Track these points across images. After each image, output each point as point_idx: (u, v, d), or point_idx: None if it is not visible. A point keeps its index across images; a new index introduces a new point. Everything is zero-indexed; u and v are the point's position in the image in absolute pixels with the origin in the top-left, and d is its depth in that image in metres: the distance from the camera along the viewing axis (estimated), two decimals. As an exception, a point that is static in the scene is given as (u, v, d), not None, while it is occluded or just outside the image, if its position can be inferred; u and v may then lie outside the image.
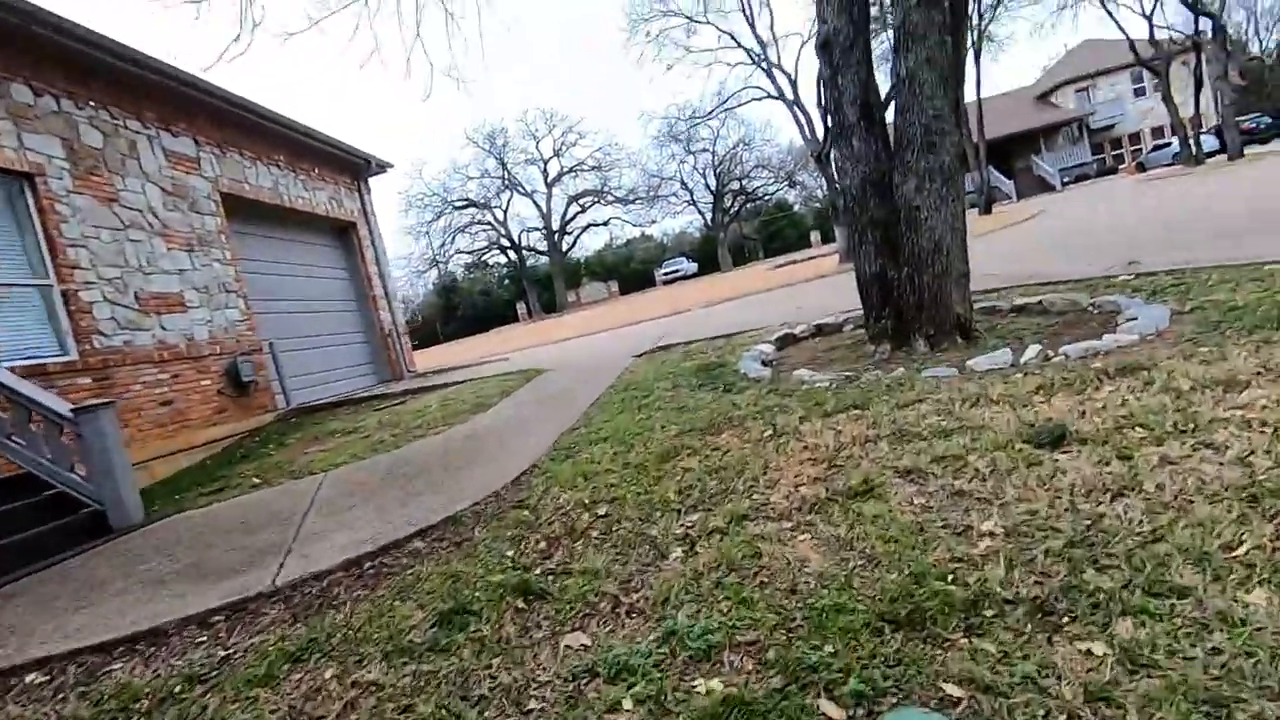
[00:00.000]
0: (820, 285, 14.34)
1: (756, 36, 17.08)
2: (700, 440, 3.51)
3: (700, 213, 50.87)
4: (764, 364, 5.46)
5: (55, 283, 6.43)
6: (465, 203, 42.74)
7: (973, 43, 25.58)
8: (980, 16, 25.04)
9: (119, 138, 7.50)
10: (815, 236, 54.48)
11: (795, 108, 17.24)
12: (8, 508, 4.29)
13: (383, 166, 13.16)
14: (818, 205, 69.08)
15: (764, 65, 17.13)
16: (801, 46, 17.76)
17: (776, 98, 17.48)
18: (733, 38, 17.39)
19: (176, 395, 7.46)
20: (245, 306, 8.87)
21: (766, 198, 58.90)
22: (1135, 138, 39.24)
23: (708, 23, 17.50)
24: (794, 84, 17.38)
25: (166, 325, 7.56)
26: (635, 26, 18.04)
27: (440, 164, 50.33)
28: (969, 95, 27.15)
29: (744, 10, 16.90)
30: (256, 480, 5.28)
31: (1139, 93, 38.98)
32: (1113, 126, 39.17)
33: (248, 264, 9.38)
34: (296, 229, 10.95)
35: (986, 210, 25.77)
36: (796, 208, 68.18)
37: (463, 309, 59.16)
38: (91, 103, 7.23)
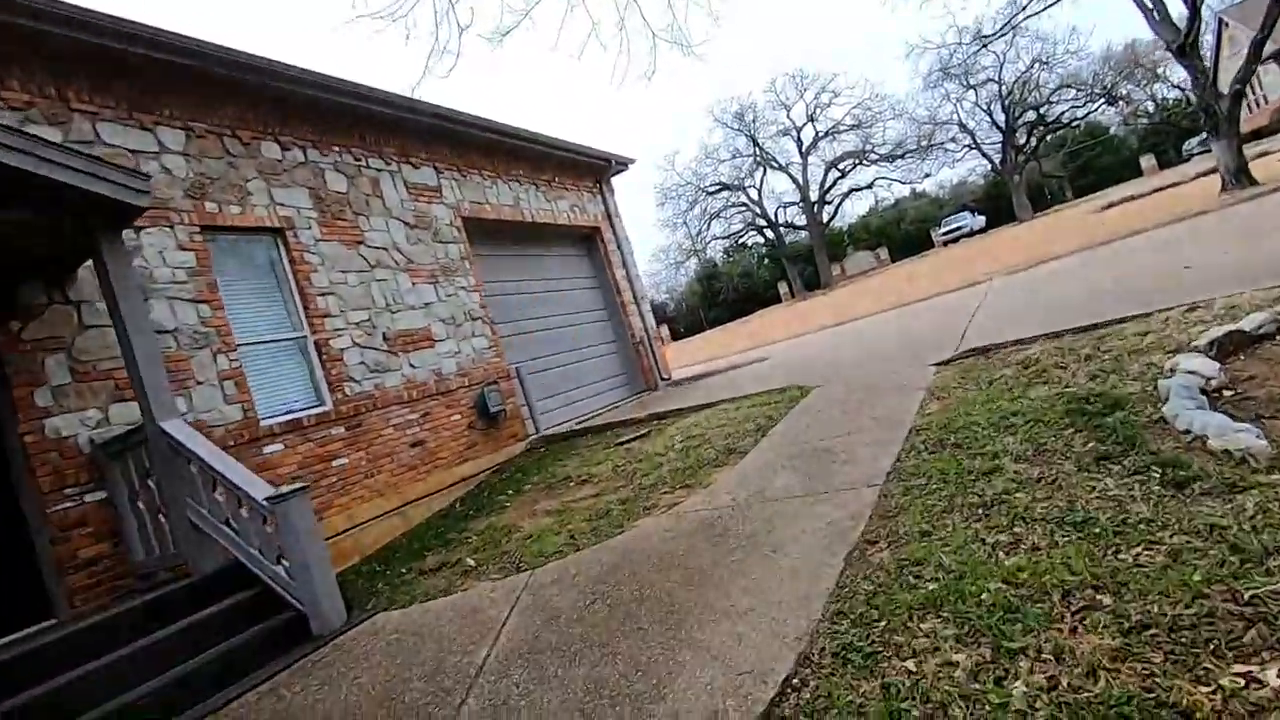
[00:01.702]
0: (1197, 229, 10.15)
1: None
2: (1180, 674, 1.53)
3: (985, 156, 43.37)
4: (1205, 397, 3.06)
5: (309, 333, 6.45)
6: (718, 186, 41.87)
7: None
8: None
9: (362, 178, 7.49)
10: (1147, 162, 43.16)
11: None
12: (223, 605, 3.91)
13: (624, 164, 12.40)
14: (1145, 122, 55.02)
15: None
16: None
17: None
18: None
19: (427, 434, 7.26)
20: (492, 333, 8.56)
21: (1074, 124, 48.30)
22: None
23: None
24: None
25: (415, 363, 7.40)
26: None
27: (692, 151, 50.41)
28: None
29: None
30: (471, 562, 4.44)
31: None
32: None
33: (492, 287, 9.13)
34: (539, 243, 10.60)
35: None
36: (1113, 130, 55.17)
37: (724, 294, 58.93)
38: (335, 147, 7.27)
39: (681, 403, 8.20)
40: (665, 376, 12.13)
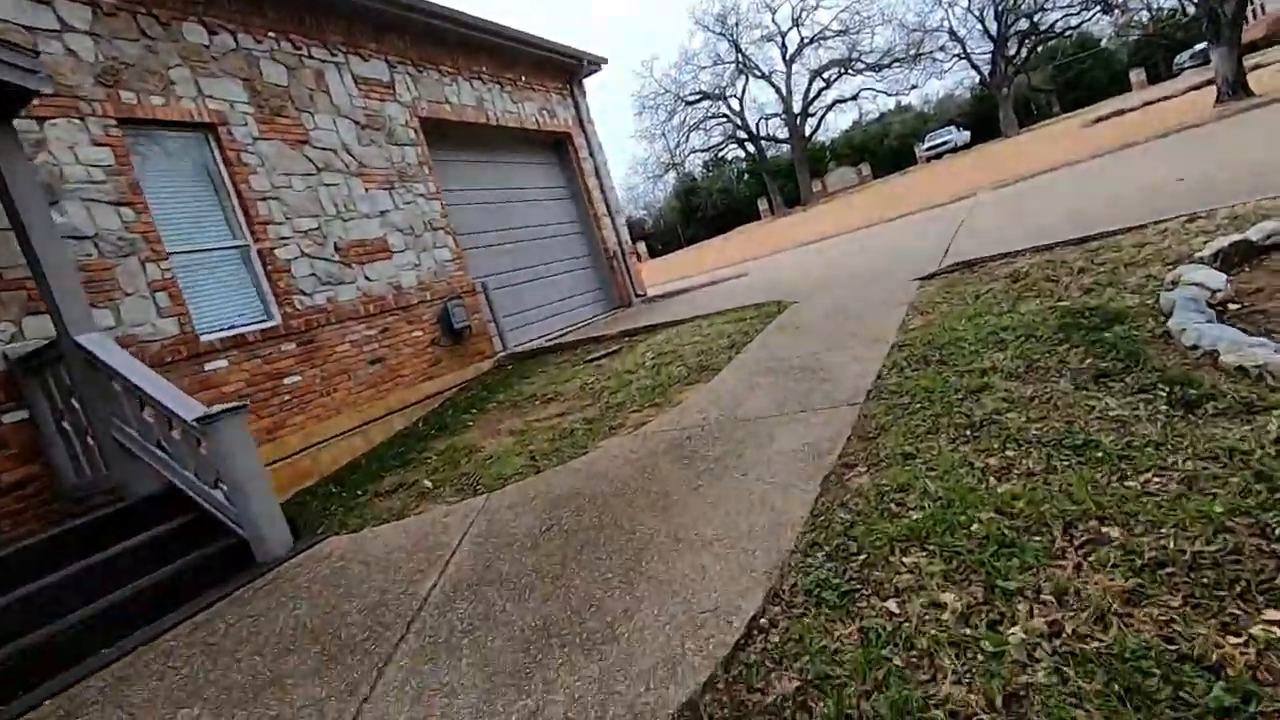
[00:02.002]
0: (1191, 141, 9.79)
1: None
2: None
3: (974, 67, 41.82)
4: (1214, 310, 2.83)
5: (251, 241, 5.95)
6: (698, 95, 40.01)
7: None
8: None
9: (304, 70, 6.76)
10: (1136, 76, 42.09)
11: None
12: (158, 531, 3.66)
13: (597, 64, 11.54)
14: (1138, 34, 53.27)
15: None
16: None
17: None
18: None
19: (387, 351, 6.90)
20: (455, 244, 8.07)
21: (1067, 33, 46.60)
22: None
23: None
24: None
25: (371, 275, 6.94)
26: None
27: (671, 57, 47.96)
28: None
29: None
30: (429, 484, 4.21)
31: None
32: None
33: (454, 195, 8.55)
34: (505, 148, 9.93)
35: None
36: (1104, 42, 53.46)
37: (703, 210, 57.71)
38: (271, 33, 6.51)
39: (655, 319, 7.90)
40: (640, 293, 11.77)
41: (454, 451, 4.83)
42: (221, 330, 5.58)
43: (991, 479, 2.07)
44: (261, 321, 5.90)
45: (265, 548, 3.59)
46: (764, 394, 3.74)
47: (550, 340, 8.88)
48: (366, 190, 7.10)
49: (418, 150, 7.86)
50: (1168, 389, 2.25)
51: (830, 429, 2.94)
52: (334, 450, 6.08)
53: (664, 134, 40.62)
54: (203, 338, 5.35)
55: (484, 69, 9.29)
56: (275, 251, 6.05)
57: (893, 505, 2.10)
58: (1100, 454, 2.00)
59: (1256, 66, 19.49)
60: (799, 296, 6.59)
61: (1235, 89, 11.55)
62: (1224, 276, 3.13)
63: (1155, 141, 11.24)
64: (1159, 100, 20.69)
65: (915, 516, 1.98)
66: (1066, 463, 2.02)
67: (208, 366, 5.33)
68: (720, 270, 16.06)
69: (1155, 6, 53.16)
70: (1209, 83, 19.90)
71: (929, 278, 5.63)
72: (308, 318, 6.16)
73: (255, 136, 6.12)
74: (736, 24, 38.68)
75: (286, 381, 5.88)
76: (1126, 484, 1.82)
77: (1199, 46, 42.62)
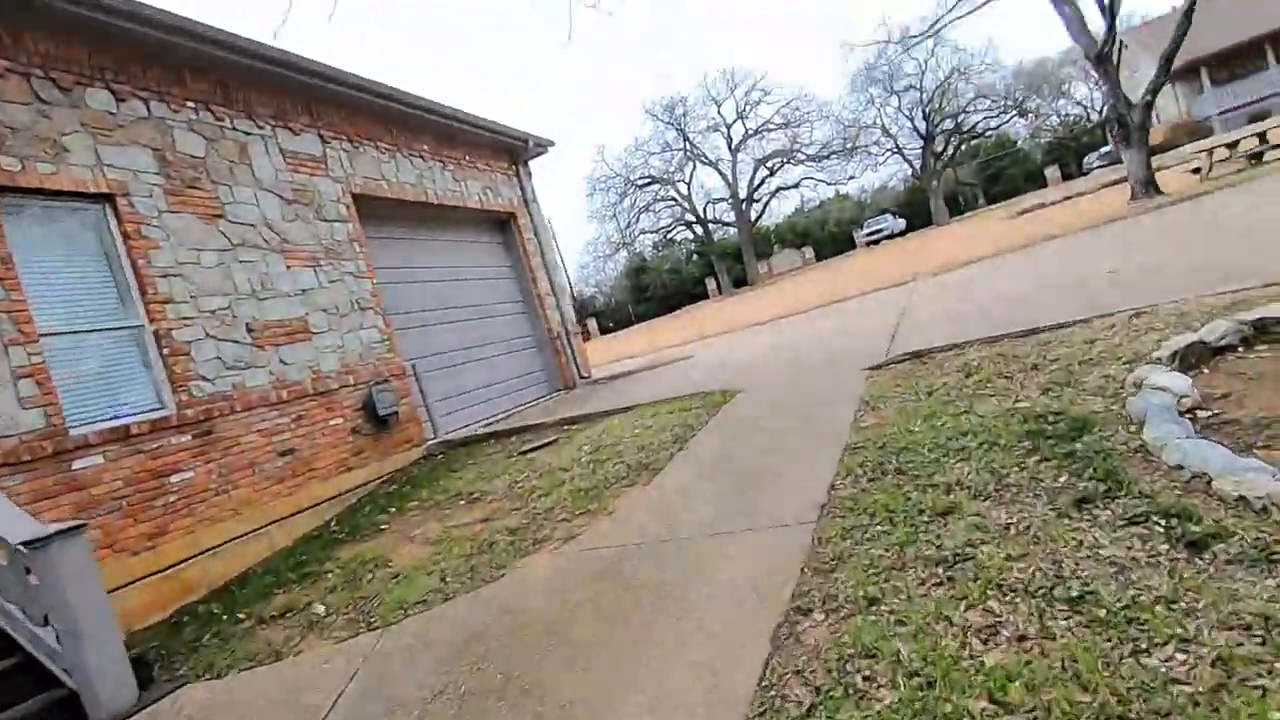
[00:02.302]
0: (1115, 236, 10.26)
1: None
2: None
3: (907, 161, 44.64)
4: (1186, 418, 2.61)
5: (145, 322, 5.37)
6: (648, 180, 41.31)
7: None
8: None
9: (225, 141, 6.38)
10: (1052, 174, 45.60)
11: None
12: (-37, 683, 2.94)
13: (543, 146, 11.55)
14: (1050, 137, 58.18)
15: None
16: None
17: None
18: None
19: (300, 441, 6.26)
20: (385, 324, 7.60)
21: (987, 134, 50.51)
22: None
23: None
24: (1052, -33, 12.88)
25: (287, 358, 6.38)
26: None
27: (623, 142, 49.86)
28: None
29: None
30: (321, 609, 3.59)
31: None
32: None
33: (389, 273, 8.16)
34: (445, 227, 9.65)
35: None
36: (1020, 143, 58.18)
37: (652, 289, 58.65)
38: (190, 103, 6.15)
39: (596, 405, 7.51)
40: (584, 375, 11.41)
41: (359, 564, 4.22)
42: (100, 421, 4.91)
43: (976, 642, 1.70)
44: (151, 410, 5.25)
45: (102, 703, 2.91)
46: (708, 503, 3.34)
47: (487, 425, 8.36)
48: (288, 268, 6.63)
49: (349, 227, 7.48)
50: (1163, 522, 1.96)
51: (781, 554, 2.55)
52: (228, 558, 5.34)
53: (614, 215, 41.52)
54: (73, 431, 4.67)
55: (426, 147, 9.11)
56: (174, 333, 5.47)
57: (859, 679, 1.69)
58: (1102, 611, 1.67)
59: (1160, 168, 21.11)
60: (746, 384, 6.33)
61: (1147, 188, 12.30)
62: (1188, 381, 2.94)
63: (1081, 234, 11.77)
64: (1076, 196, 22.11)
65: (888, 700, 1.57)
66: (1064, 623, 1.67)
67: (76, 465, 4.63)
68: (667, 350, 15.90)
69: (1065, 113, 58.45)
70: (1120, 181, 21.47)
71: (878, 368, 5.44)
72: (208, 406, 5.53)
73: (162, 209, 5.64)
74: (684, 115, 40.55)
75: (175, 479, 5.19)
76: (1144, 661, 1.48)
77: (1105, 149, 46.68)
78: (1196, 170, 13.17)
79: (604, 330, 50.94)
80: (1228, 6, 27.05)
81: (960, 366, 4.54)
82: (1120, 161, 38.26)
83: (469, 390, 9.06)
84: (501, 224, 10.89)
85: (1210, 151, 12.71)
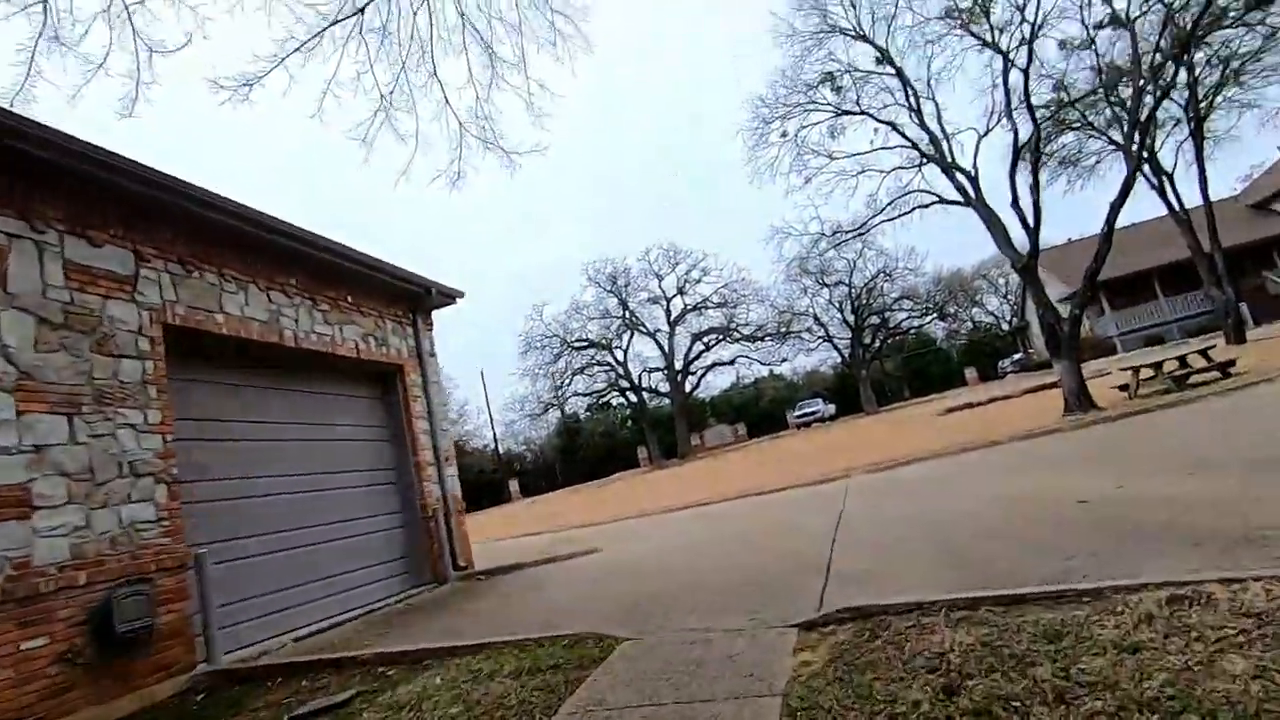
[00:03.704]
0: (1056, 448, 9.44)
1: (925, 129, 13.48)
2: None
3: (836, 349, 46.36)
4: None
5: None
6: (585, 343, 41.15)
7: (1190, 132, 20.76)
8: (1198, 108, 20.30)
9: (-29, 242, 4.82)
10: (970, 374, 48.05)
11: (981, 210, 13.14)
12: None
13: (450, 296, 10.38)
14: (963, 342, 62.49)
15: (937, 159, 13.27)
16: (979, 141, 13.90)
17: (959, 203, 13.45)
18: (895, 128, 13.90)
19: (-54, 680, 4.08)
20: (169, 497, 5.66)
21: (910, 332, 53.67)
22: (1406, 246, 31.09)
23: (863, 113, 14.17)
24: (975, 183, 13.43)
25: (-27, 545, 4.37)
26: (762, 132, 14.92)
27: (562, 304, 50.34)
28: (1193, 198, 21.91)
29: (908, 99, 13.47)
30: None
31: (1402, 192, 31.35)
32: (1371, 233, 31.38)
33: (203, 428, 6.37)
34: (308, 377, 8.03)
35: (1239, 335, 19.51)
36: (939, 343, 62.17)
37: (583, 450, 56.82)
38: (-73, 189, 4.64)
39: (439, 635, 5.57)
40: (462, 565, 9.35)
41: None
42: None
43: None
44: None
45: None
46: None
47: (300, 640, 6.22)
48: (20, 414, 4.80)
49: (147, 366, 5.78)
50: None
51: None
52: None
53: (548, 375, 40.67)
54: None
55: (293, 281, 7.71)
56: None
57: None
58: None
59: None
60: (635, 627, 4.62)
61: (1080, 400, 11.89)
62: None
63: (1019, 443, 11.00)
64: (1002, 398, 22.31)
65: None
66: None
67: None
68: (578, 533, 13.97)
69: (978, 320, 63.25)
70: (1041, 388, 21.90)
71: (811, 627, 3.88)
72: None
73: None
74: (626, 285, 41.46)
75: None
76: None
77: (1017, 355, 49.94)
78: (1124, 388, 12.97)
79: (526, 491, 48.15)
80: (1122, 241, 29.94)
81: (930, 658, 3.02)
82: (1031, 368, 40.08)
83: (293, 587, 6.94)
84: (384, 378, 9.33)
85: (1136, 370, 12.58)
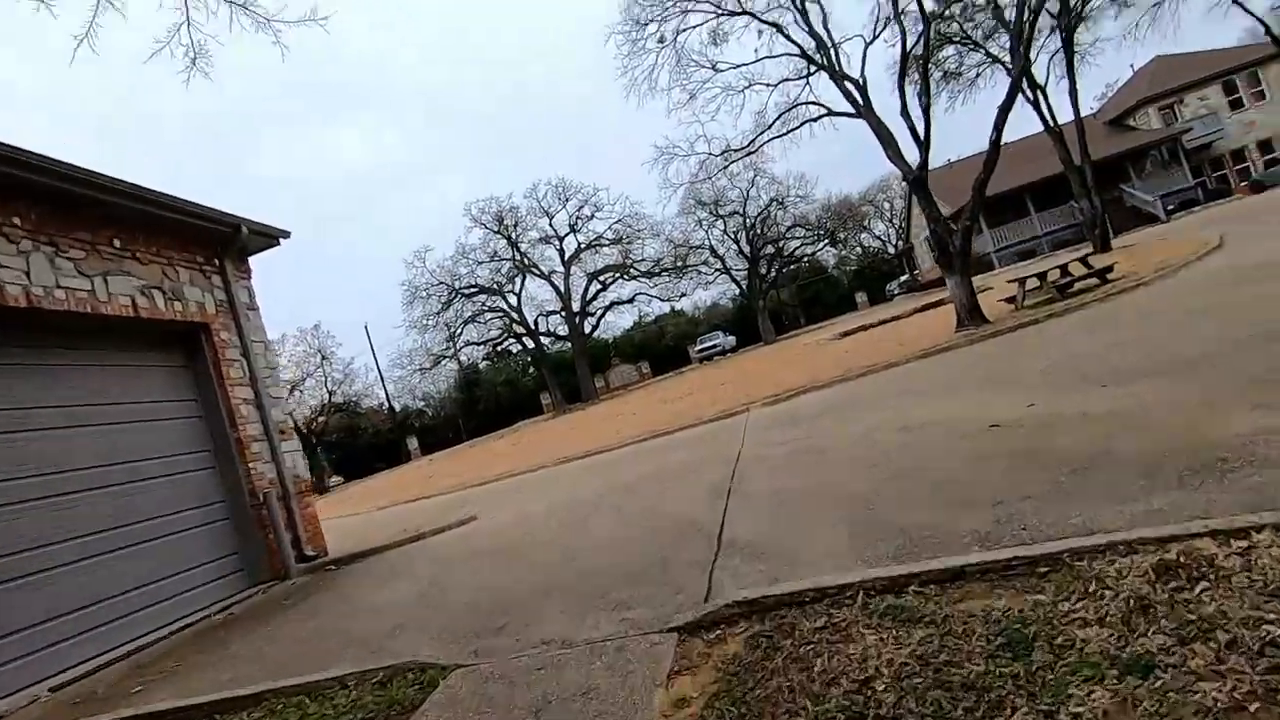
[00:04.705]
0: (955, 366, 9.04)
1: (812, 34, 12.44)
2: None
3: (735, 281, 46.25)
4: None
5: None
6: (475, 289, 38.80)
7: (1062, 42, 20.96)
8: (1069, 18, 20.42)
9: None
10: (860, 298, 49.55)
11: (872, 120, 12.41)
12: None
13: (269, 235, 8.52)
14: (853, 267, 64.41)
15: (826, 66, 12.31)
16: (866, 49, 13.06)
17: (849, 114, 12.62)
18: (781, 30, 12.77)
19: None
20: None
21: (804, 260, 54.47)
22: (1239, 155, 33.78)
23: (746, 13, 12.91)
24: (864, 92, 12.65)
25: None
26: (636, 37, 13.29)
27: (447, 249, 47.17)
28: (1065, 114, 22.38)
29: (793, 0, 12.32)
30: None
31: (1235, 105, 33.81)
32: (1210, 145, 33.84)
33: None
34: (64, 346, 6.21)
35: (1104, 245, 20.36)
36: (831, 270, 63.77)
37: (484, 402, 54.88)
38: None
39: (231, 670, 4.27)
40: (311, 554, 7.95)
41: None
42: None
43: None
44: None
45: None
46: None
47: (59, 687, 4.75)
48: None
49: None
50: None
51: None
52: None
53: (438, 325, 38.20)
54: None
55: (14, 220, 5.79)
56: None
57: None
58: None
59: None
60: (487, 633, 3.54)
61: (972, 315, 11.66)
62: None
63: (917, 363, 10.63)
64: (894, 319, 22.54)
65: None
66: None
67: None
68: (467, 494, 12.76)
69: (866, 244, 65.18)
70: (927, 306, 22.30)
71: (692, 630, 2.92)
72: None
73: None
74: (515, 225, 39.14)
75: None
76: None
77: (903, 278, 51.89)
78: (1010, 300, 12.92)
79: (427, 449, 46.08)
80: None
81: (851, 688, 2.09)
82: (917, 289, 41.48)
83: (63, 616, 5.37)
84: (186, 339, 7.56)
85: (1023, 281, 12.50)
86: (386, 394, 46.47)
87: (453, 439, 52.49)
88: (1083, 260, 13.12)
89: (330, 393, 45.29)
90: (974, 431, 5.24)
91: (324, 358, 43.84)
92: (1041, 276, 12.75)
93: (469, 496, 12.33)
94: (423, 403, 59.51)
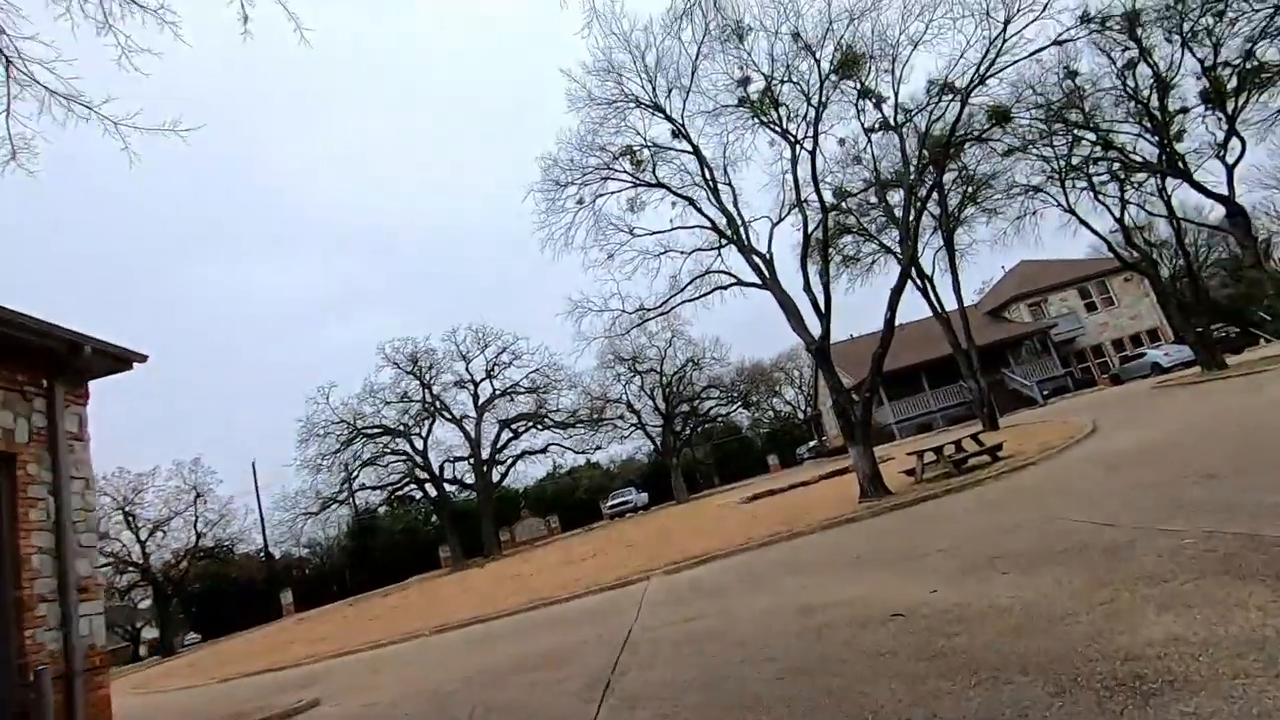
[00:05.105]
0: (857, 540, 8.74)
1: (723, 210, 13.34)
2: None
3: (650, 437, 46.22)
4: None
5: None
6: (379, 429, 36.92)
7: (944, 241, 23.50)
8: (948, 221, 23.14)
9: None
10: (772, 460, 50.30)
11: (777, 292, 13.04)
12: None
13: (118, 358, 7.61)
14: (765, 430, 66.24)
15: (735, 240, 13.08)
16: (773, 229, 14.07)
17: (757, 285, 13.27)
18: (694, 205, 13.61)
19: None
20: None
21: (718, 420, 55.54)
22: (1098, 350, 37.93)
23: (661, 185, 13.74)
24: (770, 266, 13.40)
25: None
26: (554, 196, 13.94)
27: (353, 388, 45.30)
28: (949, 302, 24.62)
29: (705, 179, 13.29)
30: None
31: (1090, 307, 38.53)
32: (1074, 339, 37.95)
33: None
34: None
35: (993, 423, 21.58)
36: (745, 431, 65.21)
37: (380, 551, 50.41)
38: None
39: None
40: (86, 753, 6.26)
41: None
42: None
43: None
44: None
45: None
46: None
47: None
48: None
49: None
50: None
51: None
52: None
53: (333, 466, 35.63)
54: None
55: None
56: None
57: None
58: None
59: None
60: None
61: (875, 485, 11.64)
62: None
63: (821, 534, 10.32)
64: (800, 485, 22.59)
65: None
66: None
67: None
68: (318, 667, 10.96)
69: (777, 409, 67.55)
70: (835, 474, 22.57)
71: None
72: None
73: None
74: (430, 367, 38.36)
75: None
76: None
77: (812, 443, 53.44)
78: (910, 472, 13.10)
79: (301, 604, 41.17)
80: (895, 341, 33.13)
81: None
82: (825, 454, 42.46)
83: None
84: (-23, 471, 6.32)
85: (921, 455, 12.76)
86: (265, 539, 42.01)
87: (336, 592, 47.29)
88: (975, 437, 13.63)
89: (199, 535, 40.48)
90: (876, 619, 4.78)
91: (199, 495, 39.64)
92: (938, 451, 13.07)
93: (321, 672, 10.60)
94: (306, 550, 54.10)
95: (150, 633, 46.91)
